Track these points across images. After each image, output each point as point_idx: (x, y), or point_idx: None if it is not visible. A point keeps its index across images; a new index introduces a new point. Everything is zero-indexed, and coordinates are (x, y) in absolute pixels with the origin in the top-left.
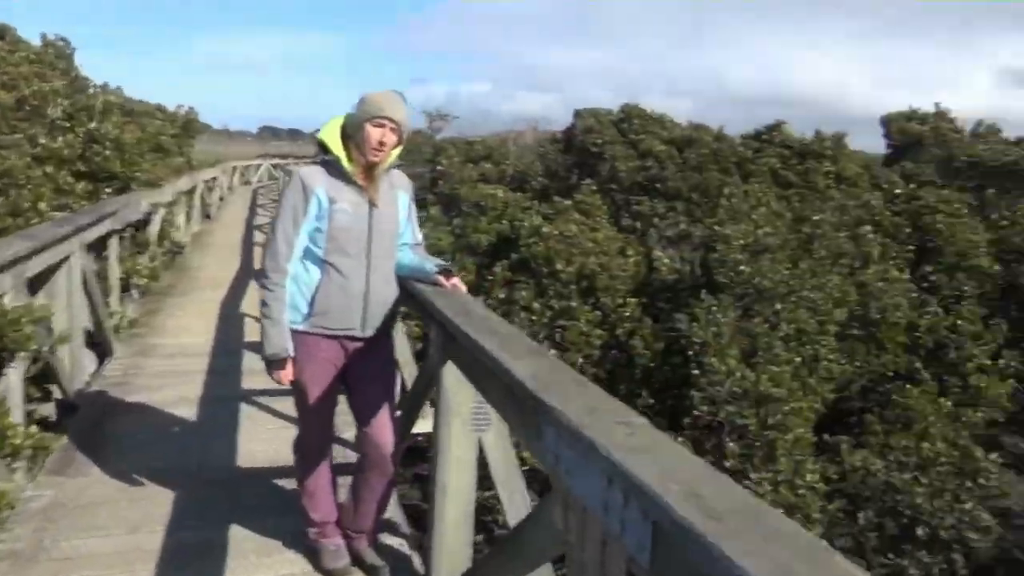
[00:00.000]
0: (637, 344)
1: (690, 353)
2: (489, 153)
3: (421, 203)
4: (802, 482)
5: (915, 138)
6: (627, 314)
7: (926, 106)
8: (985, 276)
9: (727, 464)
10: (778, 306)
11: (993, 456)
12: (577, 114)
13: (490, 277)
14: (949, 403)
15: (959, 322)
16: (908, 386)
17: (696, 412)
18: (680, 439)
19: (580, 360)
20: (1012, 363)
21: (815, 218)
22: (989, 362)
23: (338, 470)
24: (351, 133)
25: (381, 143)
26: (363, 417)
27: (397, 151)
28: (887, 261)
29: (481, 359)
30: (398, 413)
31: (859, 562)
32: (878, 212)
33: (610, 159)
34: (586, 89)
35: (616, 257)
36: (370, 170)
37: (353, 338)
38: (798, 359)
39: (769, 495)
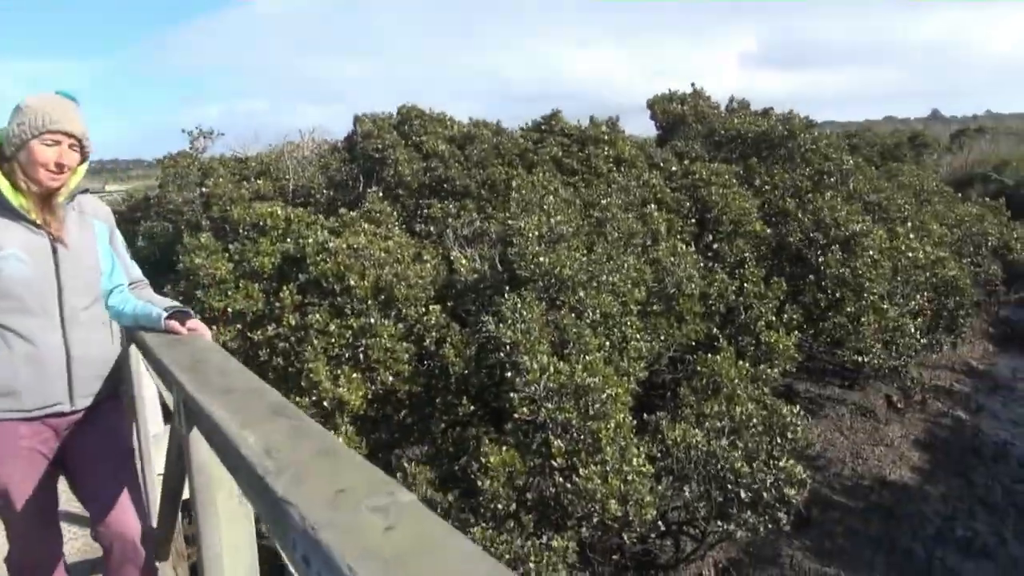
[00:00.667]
0: (448, 352)
1: (502, 355)
2: (265, 169)
3: (194, 229)
4: (629, 468)
5: (678, 117)
6: (432, 322)
7: (685, 89)
8: (759, 239)
9: (555, 463)
10: (581, 293)
11: (796, 409)
12: (356, 119)
13: (278, 304)
14: (747, 364)
15: (744, 285)
16: (709, 354)
17: (516, 415)
18: (506, 447)
19: (391, 378)
20: (794, 316)
21: (603, 202)
22: (775, 318)
23: (81, 571)
24: (11, 154)
25: (59, 164)
26: (96, 506)
27: (82, 170)
28: (674, 236)
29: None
30: (157, 482)
31: (693, 532)
32: (659, 190)
33: (393, 163)
34: (371, 98)
35: (412, 264)
36: (47, 200)
37: (61, 414)
38: (607, 344)
39: (600, 488)
